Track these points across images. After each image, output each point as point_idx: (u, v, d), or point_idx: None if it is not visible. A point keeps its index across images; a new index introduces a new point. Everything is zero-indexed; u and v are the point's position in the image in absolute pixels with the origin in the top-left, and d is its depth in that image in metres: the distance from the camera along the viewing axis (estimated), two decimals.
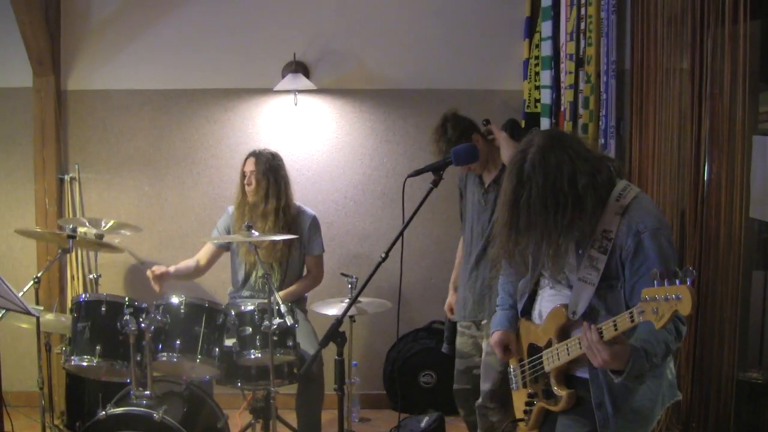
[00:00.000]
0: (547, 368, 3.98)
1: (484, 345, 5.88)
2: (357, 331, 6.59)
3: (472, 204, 5.98)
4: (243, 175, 6.68)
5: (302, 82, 7.58)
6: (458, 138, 5.68)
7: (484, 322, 5.88)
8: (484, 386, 5.80)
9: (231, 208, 6.87)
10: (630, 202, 3.71)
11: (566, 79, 6.15)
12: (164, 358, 5.57)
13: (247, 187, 6.65)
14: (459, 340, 6.14)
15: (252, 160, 6.69)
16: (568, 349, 3.82)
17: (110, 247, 6.81)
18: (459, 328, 6.14)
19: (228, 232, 6.79)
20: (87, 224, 6.84)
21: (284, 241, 6.53)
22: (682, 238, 4.84)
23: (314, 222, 6.88)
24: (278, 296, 5.87)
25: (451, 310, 6.29)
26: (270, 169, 6.70)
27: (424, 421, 6.90)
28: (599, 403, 3.81)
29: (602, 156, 3.92)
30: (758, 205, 4.43)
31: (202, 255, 6.92)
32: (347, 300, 6.15)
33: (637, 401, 3.81)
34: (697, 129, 4.67)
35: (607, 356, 3.44)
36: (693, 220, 4.74)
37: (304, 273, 6.94)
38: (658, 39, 5.05)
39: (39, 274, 6.10)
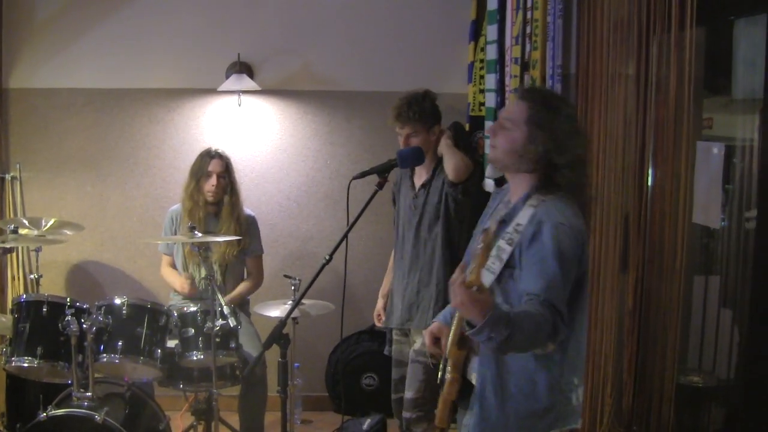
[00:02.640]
0: (445, 353, 3.98)
1: (410, 353, 5.86)
2: (299, 333, 6.58)
3: (404, 209, 5.98)
4: (202, 174, 6.67)
5: (246, 82, 7.55)
6: (431, 114, 5.79)
7: (411, 329, 5.87)
8: (408, 394, 5.80)
9: (172, 211, 6.87)
10: (546, 198, 3.77)
11: (511, 83, 6.15)
12: (106, 359, 5.56)
13: (210, 187, 6.64)
14: (393, 349, 6.15)
15: (218, 161, 6.71)
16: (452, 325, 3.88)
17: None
18: (394, 336, 6.13)
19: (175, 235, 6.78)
20: (27, 224, 6.80)
21: (236, 241, 6.55)
22: (625, 243, 4.88)
23: (254, 222, 6.93)
24: (221, 297, 5.86)
25: (380, 318, 6.30)
26: (230, 170, 6.73)
27: (366, 423, 6.91)
28: (481, 390, 3.86)
29: None
30: (701, 210, 4.47)
31: (169, 265, 7.03)
32: (290, 302, 6.16)
33: (522, 396, 3.81)
34: (642, 134, 4.70)
35: (466, 298, 3.34)
36: (637, 225, 4.77)
37: (245, 275, 6.95)
38: (603, 44, 5.06)
39: None
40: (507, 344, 3.44)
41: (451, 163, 5.58)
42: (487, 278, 3.77)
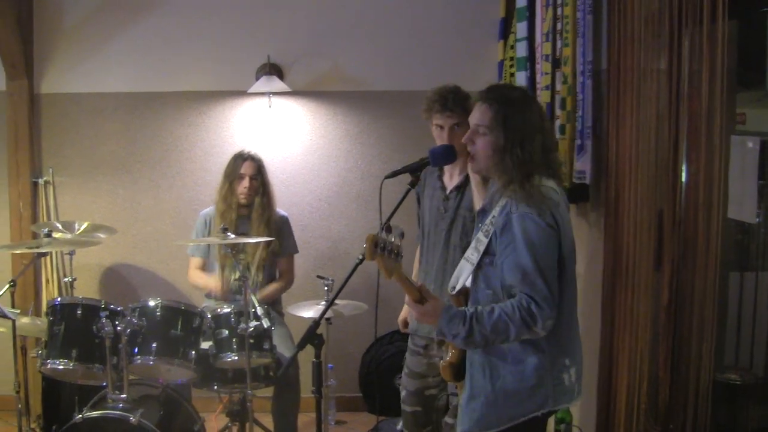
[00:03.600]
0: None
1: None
2: (332, 334, 6.58)
3: (430, 210, 5.64)
4: (235, 177, 6.69)
5: (276, 84, 7.57)
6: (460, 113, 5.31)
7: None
8: (454, 400, 5.68)
9: (204, 214, 6.86)
10: (518, 187, 3.89)
11: (542, 80, 6.13)
12: (140, 361, 5.57)
13: (243, 189, 6.65)
14: (411, 359, 5.83)
15: (250, 163, 6.71)
16: None
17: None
18: (411, 347, 5.83)
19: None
20: (60, 227, 6.83)
21: (268, 242, 6.55)
22: (659, 239, 4.85)
23: (287, 223, 6.93)
24: (255, 298, 5.86)
25: (405, 324, 5.91)
26: (263, 172, 6.73)
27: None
28: (471, 370, 4.14)
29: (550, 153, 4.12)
30: (736, 205, 4.43)
31: (197, 268, 6.96)
32: (323, 302, 6.14)
33: (511, 376, 4.01)
34: (675, 129, 4.65)
35: (416, 315, 3.96)
36: (671, 220, 4.72)
37: (277, 275, 6.95)
38: (634, 39, 5.02)
39: (15, 278, 6.07)
40: (471, 339, 3.82)
41: (479, 197, 5.08)
42: (467, 269, 4.09)
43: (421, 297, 3.91)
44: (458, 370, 4.29)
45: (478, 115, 4.02)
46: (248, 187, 6.62)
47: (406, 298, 3.97)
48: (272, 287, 6.83)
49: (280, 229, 6.86)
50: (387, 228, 3.74)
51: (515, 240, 3.81)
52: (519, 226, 3.80)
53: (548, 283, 3.77)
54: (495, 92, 4.03)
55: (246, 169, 6.65)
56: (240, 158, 6.72)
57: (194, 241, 6.88)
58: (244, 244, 6.49)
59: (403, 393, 5.90)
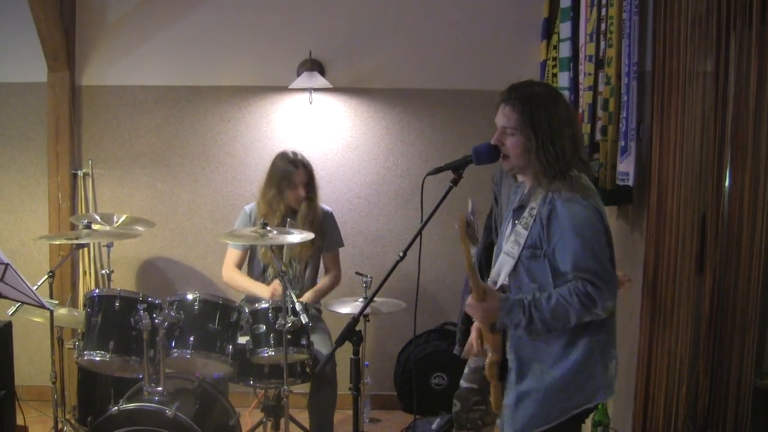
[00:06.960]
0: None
1: None
2: (369, 332, 6.56)
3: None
4: (288, 186, 6.57)
5: (317, 80, 7.55)
6: None
7: None
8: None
9: (248, 208, 6.81)
10: (555, 177, 3.96)
11: (585, 81, 6.10)
12: (177, 355, 5.57)
13: (299, 197, 6.59)
14: None
15: (303, 171, 6.64)
16: None
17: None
18: None
19: None
20: (99, 220, 6.84)
21: (311, 239, 6.52)
22: (702, 243, 4.81)
23: (332, 217, 6.91)
24: (293, 294, 5.85)
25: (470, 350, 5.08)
26: (313, 176, 6.72)
27: (436, 422, 6.88)
28: (519, 367, 4.11)
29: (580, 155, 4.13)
30: None
31: (236, 263, 6.85)
32: (361, 299, 6.15)
33: (559, 369, 4.00)
34: (720, 132, 4.61)
35: (480, 314, 4.01)
36: (715, 224, 4.69)
37: (322, 271, 6.93)
38: (681, 40, 4.97)
39: (53, 269, 6.08)
40: (533, 327, 3.89)
41: None
42: (508, 264, 4.09)
43: (484, 294, 3.96)
44: (503, 368, 4.25)
45: (502, 117, 4.05)
46: (303, 196, 6.60)
47: (469, 298, 4.02)
48: (323, 284, 6.86)
49: (324, 224, 6.82)
50: (472, 211, 3.79)
51: (563, 226, 3.85)
52: (565, 212, 3.85)
53: (602, 263, 3.83)
54: (517, 92, 4.02)
55: (300, 177, 6.59)
56: (292, 165, 6.62)
57: (236, 237, 6.83)
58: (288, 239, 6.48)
59: (465, 371, 5.83)
